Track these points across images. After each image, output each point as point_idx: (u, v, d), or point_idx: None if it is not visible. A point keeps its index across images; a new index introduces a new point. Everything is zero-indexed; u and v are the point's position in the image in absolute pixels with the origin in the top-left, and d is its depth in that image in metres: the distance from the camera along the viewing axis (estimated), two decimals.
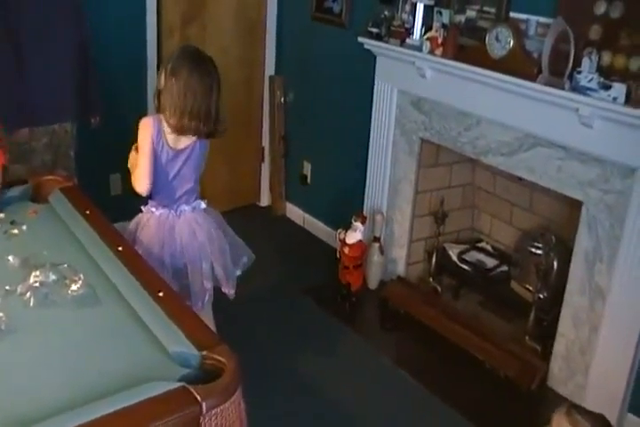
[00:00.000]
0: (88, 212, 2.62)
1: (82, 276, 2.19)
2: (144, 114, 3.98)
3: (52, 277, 2.18)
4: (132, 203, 4.06)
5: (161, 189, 2.67)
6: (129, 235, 2.72)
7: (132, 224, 2.77)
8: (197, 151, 2.65)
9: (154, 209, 2.71)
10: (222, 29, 4.20)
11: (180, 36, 4.06)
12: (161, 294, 2.17)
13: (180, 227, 2.68)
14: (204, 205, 2.75)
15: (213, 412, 1.83)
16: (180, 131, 2.56)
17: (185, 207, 2.70)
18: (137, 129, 2.64)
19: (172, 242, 2.66)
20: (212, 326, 2.90)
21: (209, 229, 2.72)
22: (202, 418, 1.81)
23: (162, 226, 2.68)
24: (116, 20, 3.74)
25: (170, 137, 2.59)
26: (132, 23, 3.83)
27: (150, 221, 2.71)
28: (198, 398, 1.78)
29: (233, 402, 1.92)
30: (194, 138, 2.61)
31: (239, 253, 2.83)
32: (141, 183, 2.61)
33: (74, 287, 2.15)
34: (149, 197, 2.72)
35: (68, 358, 1.92)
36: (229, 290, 2.77)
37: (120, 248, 2.40)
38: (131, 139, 3.99)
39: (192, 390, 1.80)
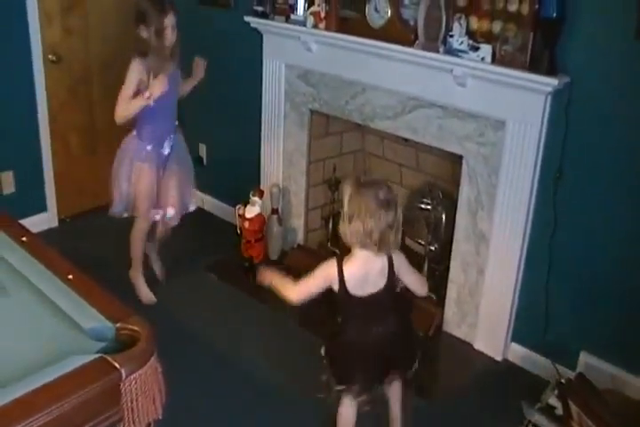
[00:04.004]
0: None
1: None
2: (33, 100, 3.99)
3: None
4: (26, 201, 4.06)
5: None
6: None
7: None
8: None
9: None
10: (106, 17, 4.18)
11: (60, 24, 4.00)
12: (70, 277, 2.25)
13: None
14: None
15: (132, 377, 1.94)
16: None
17: None
18: None
19: None
20: None
21: None
22: (122, 384, 1.91)
23: None
24: None
25: None
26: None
27: None
28: (116, 365, 1.89)
29: (150, 366, 2.03)
30: None
31: None
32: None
33: None
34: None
35: None
36: None
37: (24, 239, 2.47)
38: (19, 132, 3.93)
39: (109, 358, 1.90)
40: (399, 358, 2.47)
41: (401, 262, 2.33)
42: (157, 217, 3.48)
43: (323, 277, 2.30)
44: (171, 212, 3.45)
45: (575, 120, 2.74)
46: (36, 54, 3.91)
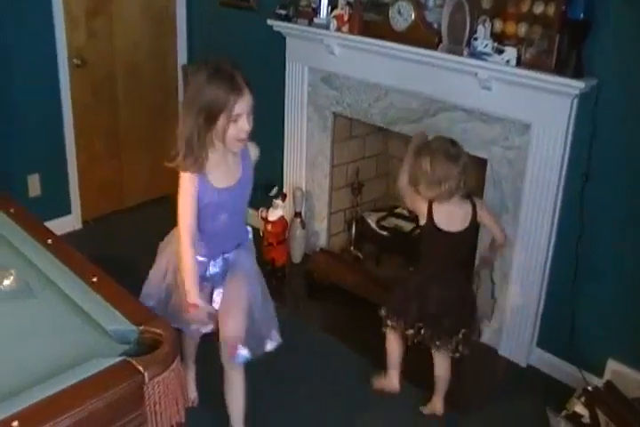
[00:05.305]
0: (12, 210, 2.69)
1: (13, 271, 2.25)
2: (58, 103, 4.02)
3: None
4: (51, 203, 4.10)
5: None
6: None
7: None
8: None
9: None
10: (130, 21, 4.22)
11: (85, 28, 4.03)
12: (95, 279, 2.26)
13: None
14: None
15: (155, 380, 1.94)
16: None
17: None
18: None
19: None
20: None
21: None
22: (145, 387, 1.92)
23: None
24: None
25: None
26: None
27: None
28: (140, 368, 1.89)
29: (173, 370, 2.04)
30: None
31: None
32: None
33: (6, 282, 2.22)
34: None
35: (8, 347, 1.99)
36: None
37: (49, 241, 2.48)
38: (45, 135, 3.96)
39: (133, 361, 1.90)
40: (450, 320, 2.71)
41: (482, 207, 2.69)
42: (203, 330, 2.65)
43: (415, 200, 2.65)
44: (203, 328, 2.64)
45: (602, 123, 2.70)
46: (61, 58, 3.94)
